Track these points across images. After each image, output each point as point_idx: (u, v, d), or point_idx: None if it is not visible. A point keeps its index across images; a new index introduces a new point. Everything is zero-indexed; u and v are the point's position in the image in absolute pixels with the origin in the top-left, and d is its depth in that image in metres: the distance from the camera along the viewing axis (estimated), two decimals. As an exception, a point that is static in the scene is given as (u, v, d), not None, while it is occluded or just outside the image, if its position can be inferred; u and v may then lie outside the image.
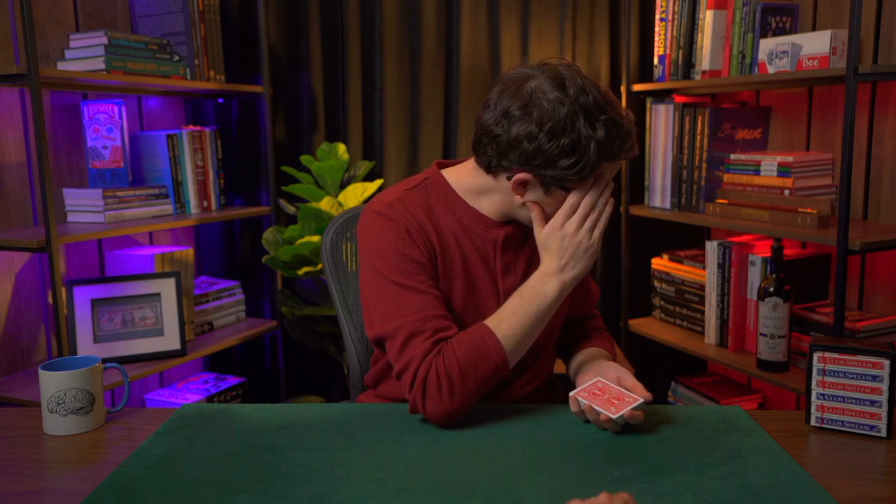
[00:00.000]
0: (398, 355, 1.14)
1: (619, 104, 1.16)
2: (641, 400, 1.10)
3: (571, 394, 1.14)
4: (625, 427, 1.11)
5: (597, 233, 1.17)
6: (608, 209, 1.18)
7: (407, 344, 1.13)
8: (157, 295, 2.16)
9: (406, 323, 1.14)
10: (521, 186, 1.17)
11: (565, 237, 1.16)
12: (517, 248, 1.28)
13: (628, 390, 1.13)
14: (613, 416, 1.08)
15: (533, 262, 1.27)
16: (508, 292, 1.22)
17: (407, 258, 1.18)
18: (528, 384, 1.30)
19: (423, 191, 1.27)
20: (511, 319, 1.15)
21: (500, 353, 1.13)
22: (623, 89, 2.53)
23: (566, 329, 1.42)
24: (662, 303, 2.49)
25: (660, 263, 2.49)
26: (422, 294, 1.16)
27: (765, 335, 1.99)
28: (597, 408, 1.09)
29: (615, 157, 1.15)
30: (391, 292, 1.16)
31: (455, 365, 1.10)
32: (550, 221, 1.18)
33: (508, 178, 1.18)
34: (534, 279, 1.18)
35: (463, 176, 1.27)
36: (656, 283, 2.51)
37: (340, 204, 2.37)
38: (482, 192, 1.25)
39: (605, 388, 1.14)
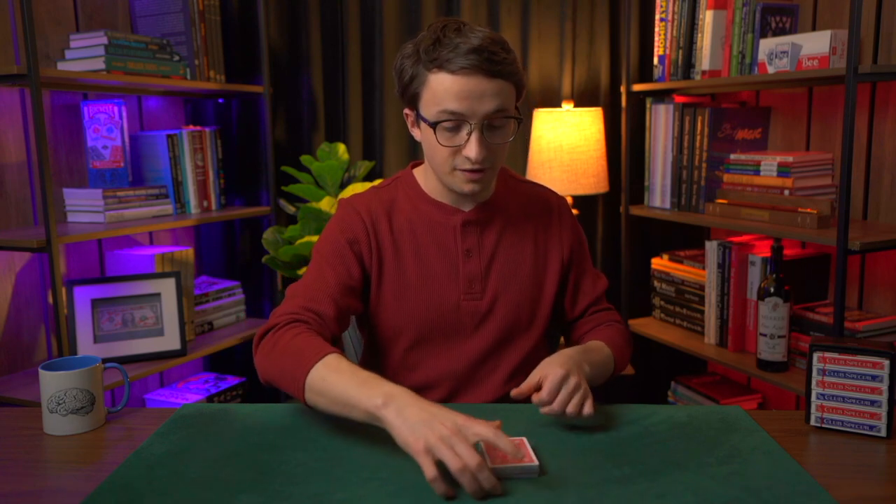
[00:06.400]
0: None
1: (473, 31, 1.16)
2: (527, 465, 0.97)
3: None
4: (624, 428, 1.11)
5: (461, 450, 0.91)
6: (483, 476, 0.91)
7: (287, 300, 1.25)
8: (157, 295, 2.16)
9: (299, 287, 1.27)
10: (410, 124, 1.28)
11: (442, 427, 0.94)
12: (479, 233, 1.32)
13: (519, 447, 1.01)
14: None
15: (501, 243, 1.33)
16: (473, 276, 1.30)
17: (333, 241, 1.30)
18: (507, 383, 1.32)
19: (392, 188, 1.37)
20: (337, 379, 1.05)
21: (299, 386, 1.09)
22: (623, 89, 2.53)
23: (573, 326, 1.44)
24: (662, 303, 2.49)
25: (660, 263, 2.49)
26: (328, 273, 1.27)
27: (765, 335, 1.99)
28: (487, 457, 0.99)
29: (438, 63, 1.16)
30: (312, 262, 1.31)
31: (279, 349, 1.15)
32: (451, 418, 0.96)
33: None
34: (385, 387, 1.02)
35: (427, 171, 1.34)
36: (656, 283, 2.51)
37: (340, 204, 2.37)
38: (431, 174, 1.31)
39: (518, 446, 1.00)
